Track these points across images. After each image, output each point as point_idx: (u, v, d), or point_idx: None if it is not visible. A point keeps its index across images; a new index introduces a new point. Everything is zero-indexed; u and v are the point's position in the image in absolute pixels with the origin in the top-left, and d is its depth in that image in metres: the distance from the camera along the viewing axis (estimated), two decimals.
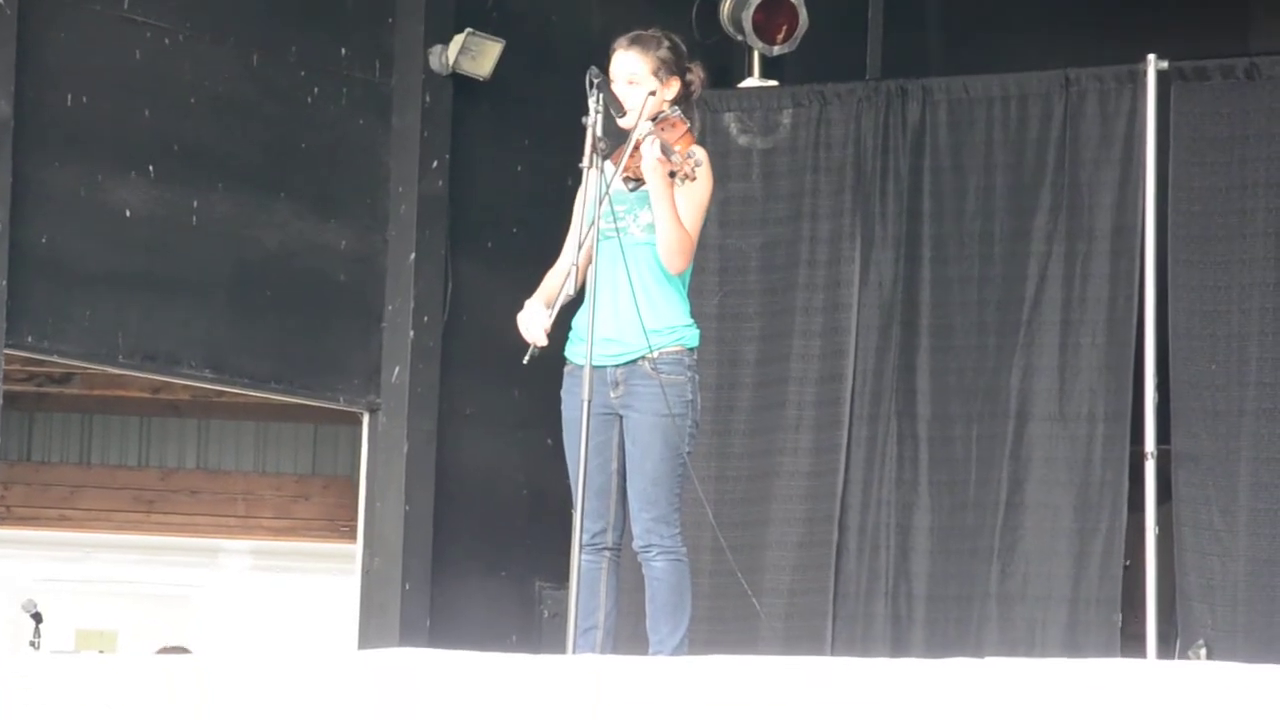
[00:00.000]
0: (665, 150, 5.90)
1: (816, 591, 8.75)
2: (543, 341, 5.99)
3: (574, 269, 5.99)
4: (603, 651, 5.92)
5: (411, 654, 5.05)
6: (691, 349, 6.08)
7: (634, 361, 6.02)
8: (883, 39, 10.04)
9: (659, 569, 5.98)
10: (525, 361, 6.00)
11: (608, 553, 6.02)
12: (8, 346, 7.98)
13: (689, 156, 5.87)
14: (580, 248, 6.01)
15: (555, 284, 6.08)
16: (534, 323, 6.02)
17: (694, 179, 5.87)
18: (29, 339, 8.11)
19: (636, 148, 5.95)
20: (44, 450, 13.02)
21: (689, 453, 6.03)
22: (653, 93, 6.01)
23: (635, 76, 6.07)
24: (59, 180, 8.18)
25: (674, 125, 6.02)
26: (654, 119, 6.01)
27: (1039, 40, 9.65)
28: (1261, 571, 8.18)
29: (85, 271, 8.26)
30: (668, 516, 5.98)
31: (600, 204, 5.91)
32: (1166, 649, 8.12)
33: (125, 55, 8.35)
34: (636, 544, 6.00)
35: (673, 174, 5.88)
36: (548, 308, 6.04)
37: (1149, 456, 8.16)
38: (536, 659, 4.91)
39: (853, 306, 8.90)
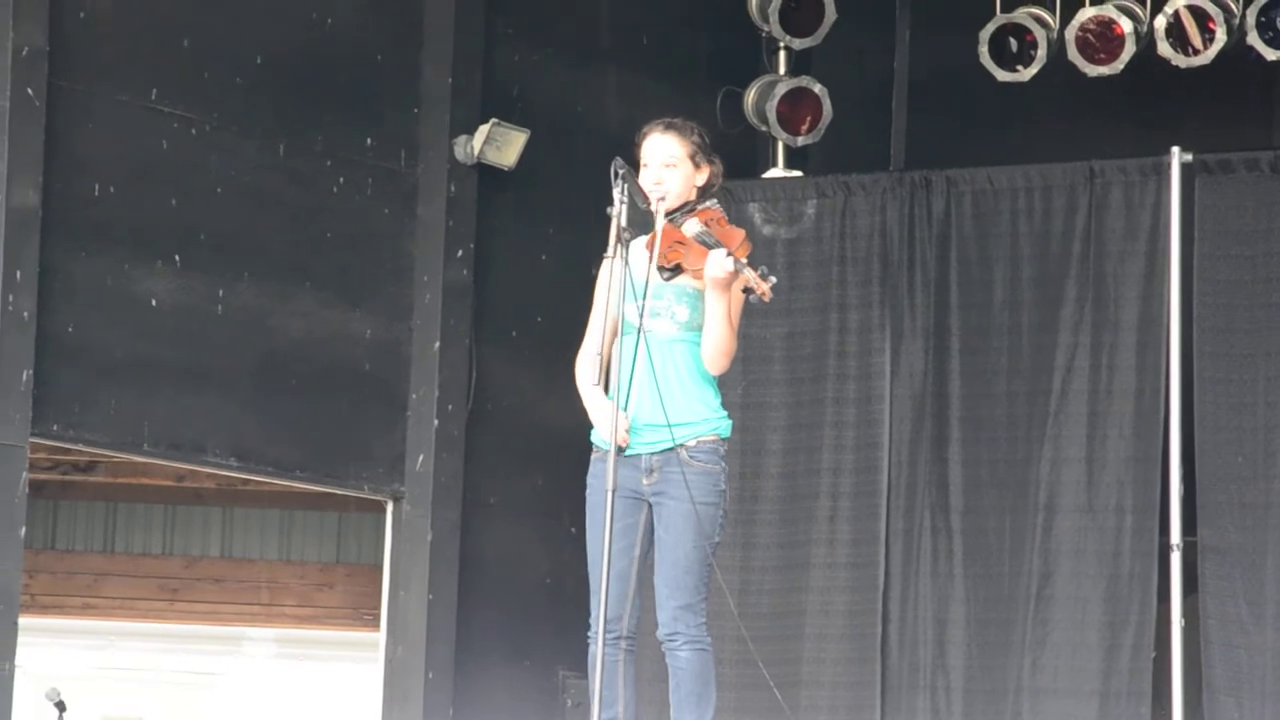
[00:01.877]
0: (737, 265, 5.86)
1: (862, 685, 8.71)
2: (627, 443, 5.95)
3: (599, 358, 5.99)
4: None
5: None
6: (725, 439, 6.09)
7: (670, 450, 6.02)
8: (906, 130, 10.08)
9: (684, 659, 5.96)
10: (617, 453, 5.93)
11: (623, 642, 5.99)
12: (34, 435, 7.99)
13: (758, 267, 5.85)
14: (604, 336, 6.01)
15: (598, 372, 6.05)
16: (619, 427, 5.94)
17: (767, 298, 5.85)
18: (54, 427, 8.12)
19: (682, 241, 5.94)
20: (68, 538, 13.02)
21: (717, 543, 6.02)
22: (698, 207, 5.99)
23: (673, 159, 6.08)
24: (86, 269, 8.21)
25: (721, 223, 5.99)
26: (692, 209, 6.02)
27: (1063, 132, 9.68)
28: None
29: (111, 360, 8.27)
30: (695, 605, 5.97)
31: (629, 290, 5.91)
32: None
33: (152, 145, 8.39)
34: (661, 632, 5.97)
35: (747, 290, 5.85)
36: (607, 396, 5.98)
37: (1175, 548, 8.13)
38: None
39: (885, 398, 8.89)
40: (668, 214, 6.01)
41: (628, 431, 5.94)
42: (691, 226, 5.98)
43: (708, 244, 5.92)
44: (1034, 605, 8.56)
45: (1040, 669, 8.52)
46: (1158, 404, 8.45)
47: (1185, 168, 8.48)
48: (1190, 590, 8.19)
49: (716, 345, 5.96)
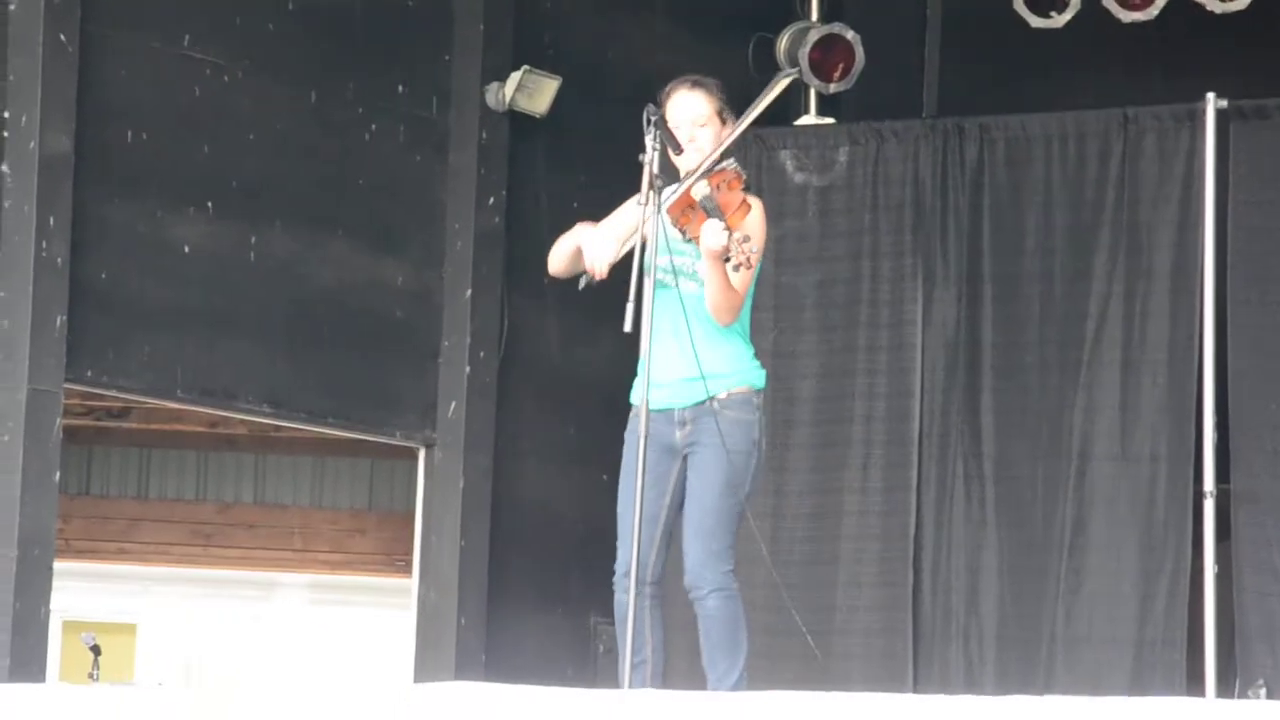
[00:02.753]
0: (729, 239, 5.87)
1: (894, 632, 8.73)
2: (602, 273, 5.97)
3: (615, 242, 5.98)
4: (654, 686, 5.91)
5: (467, 688, 5.05)
6: (758, 389, 6.10)
7: (701, 403, 6.03)
8: (939, 77, 10.04)
9: (712, 606, 5.97)
10: (581, 288, 5.99)
11: (648, 588, 6.01)
12: (67, 381, 8.02)
13: (745, 240, 5.87)
14: (612, 232, 6.01)
15: (620, 233, 6.02)
16: (603, 252, 5.97)
17: (750, 268, 5.89)
18: (88, 373, 8.15)
19: (691, 204, 5.95)
20: (103, 484, 13.08)
21: (748, 494, 6.03)
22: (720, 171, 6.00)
23: (703, 118, 6.10)
24: (119, 216, 8.22)
25: (731, 186, 6.01)
26: (708, 171, 6.02)
27: (1097, 78, 9.64)
28: None
29: (144, 307, 8.29)
30: (721, 553, 5.98)
31: (661, 243, 5.92)
32: (1226, 688, 8.07)
33: (185, 92, 8.39)
34: (688, 579, 5.99)
35: (727, 259, 5.89)
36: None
37: (1208, 496, 8.12)
38: (594, 693, 4.89)
39: (917, 346, 8.88)
40: (690, 173, 6.02)
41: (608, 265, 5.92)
42: (700, 189, 6.01)
43: (708, 210, 5.94)
44: (1067, 554, 8.56)
45: (1074, 618, 8.52)
46: (1191, 351, 8.44)
47: (1220, 114, 8.44)
48: (1223, 538, 8.18)
49: (715, 304, 5.98)
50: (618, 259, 5.99)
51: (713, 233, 5.88)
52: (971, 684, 8.54)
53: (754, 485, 6.06)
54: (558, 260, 6.19)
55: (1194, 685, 8.09)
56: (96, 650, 9.46)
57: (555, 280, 9.29)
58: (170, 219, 8.37)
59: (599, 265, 5.98)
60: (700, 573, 5.97)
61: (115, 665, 11.21)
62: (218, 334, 8.48)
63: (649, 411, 5.91)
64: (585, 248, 6.03)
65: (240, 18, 8.53)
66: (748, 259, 5.85)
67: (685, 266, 6.02)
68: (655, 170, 5.95)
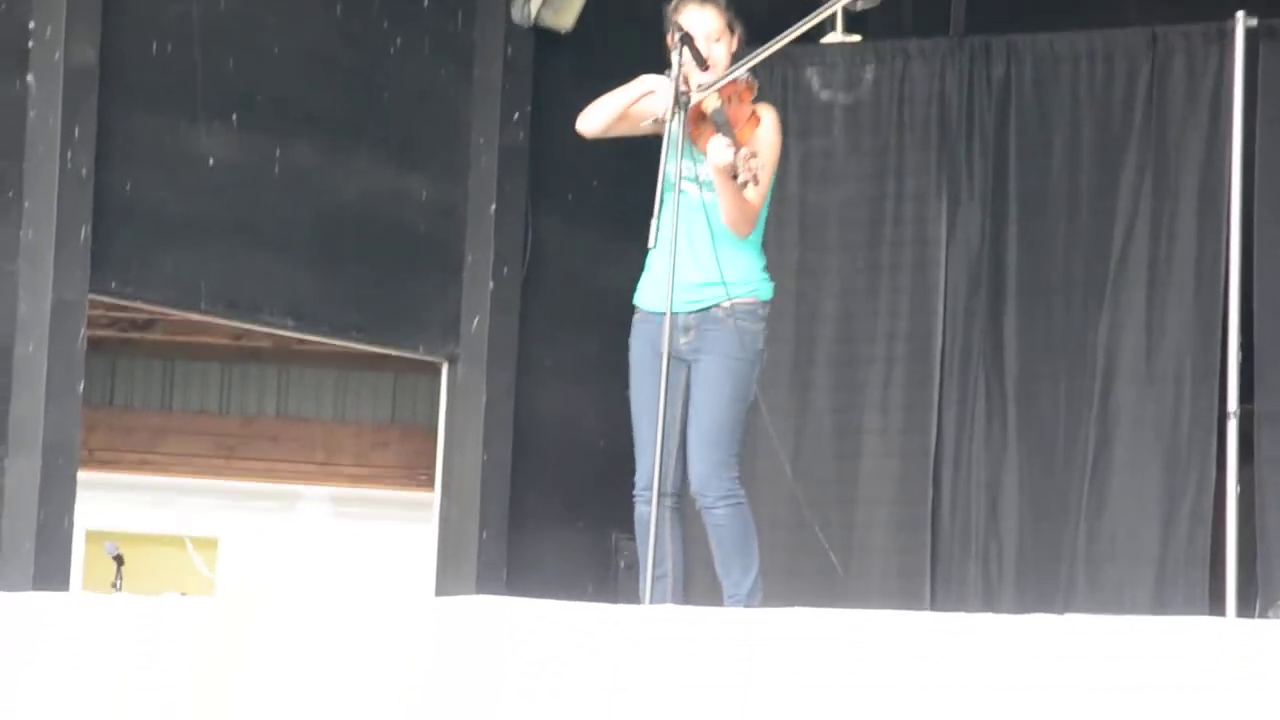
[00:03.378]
0: (735, 155, 5.86)
1: (913, 550, 8.74)
2: (662, 112, 5.92)
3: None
4: (674, 600, 5.94)
5: (489, 602, 5.07)
6: (766, 301, 6.11)
7: (708, 309, 6.04)
8: None
9: (720, 515, 6.00)
10: (652, 123, 5.94)
11: (669, 499, 6.03)
12: (92, 291, 8.04)
13: (752, 156, 5.86)
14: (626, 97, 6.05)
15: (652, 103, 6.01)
16: (663, 93, 5.94)
17: (759, 184, 5.88)
18: (113, 284, 8.16)
19: (702, 115, 5.94)
20: (126, 395, 13.11)
21: (752, 404, 6.05)
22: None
23: (715, 33, 6.08)
24: (143, 128, 8.22)
25: (742, 98, 6.00)
26: (718, 83, 6.01)
27: None
28: None
29: (168, 219, 8.30)
30: (728, 461, 6.01)
31: (677, 150, 5.92)
32: (1247, 607, 8.08)
33: (210, 4, 8.37)
34: (695, 488, 6.02)
35: (735, 176, 5.88)
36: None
37: (1231, 416, 8.10)
38: (615, 608, 4.92)
39: (940, 264, 8.87)
40: (701, 87, 6.01)
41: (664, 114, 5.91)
42: (711, 102, 6.00)
43: (718, 125, 5.93)
44: (1090, 473, 8.56)
45: (1096, 537, 8.53)
46: (1217, 271, 8.41)
47: (1249, 33, 8.37)
48: (1246, 458, 8.18)
49: (730, 217, 6.00)
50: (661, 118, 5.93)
51: (718, 149, 5.87)
52: (990, 602, 8.56)
53: (755, 395, 6.07)
54: (602, 116, 6.15)
55: (1216, 604, 8.10)
56: (120, 560, 9.51)
57: (579, 196, 9.34)
58: (195, 131, 8.36)
59: (662, 105, 5.93)
60: (708, 481, 6.00)
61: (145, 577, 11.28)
62: (242, 247, 8.49)
63: (653, 314, 5.92)
64: (649, 90, 5.99)
65: None
66: (754, 175, 5.84)
67: (701, 174, 6.02)
68: (682, 87, 5.95)
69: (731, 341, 6.01)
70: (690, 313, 6.05)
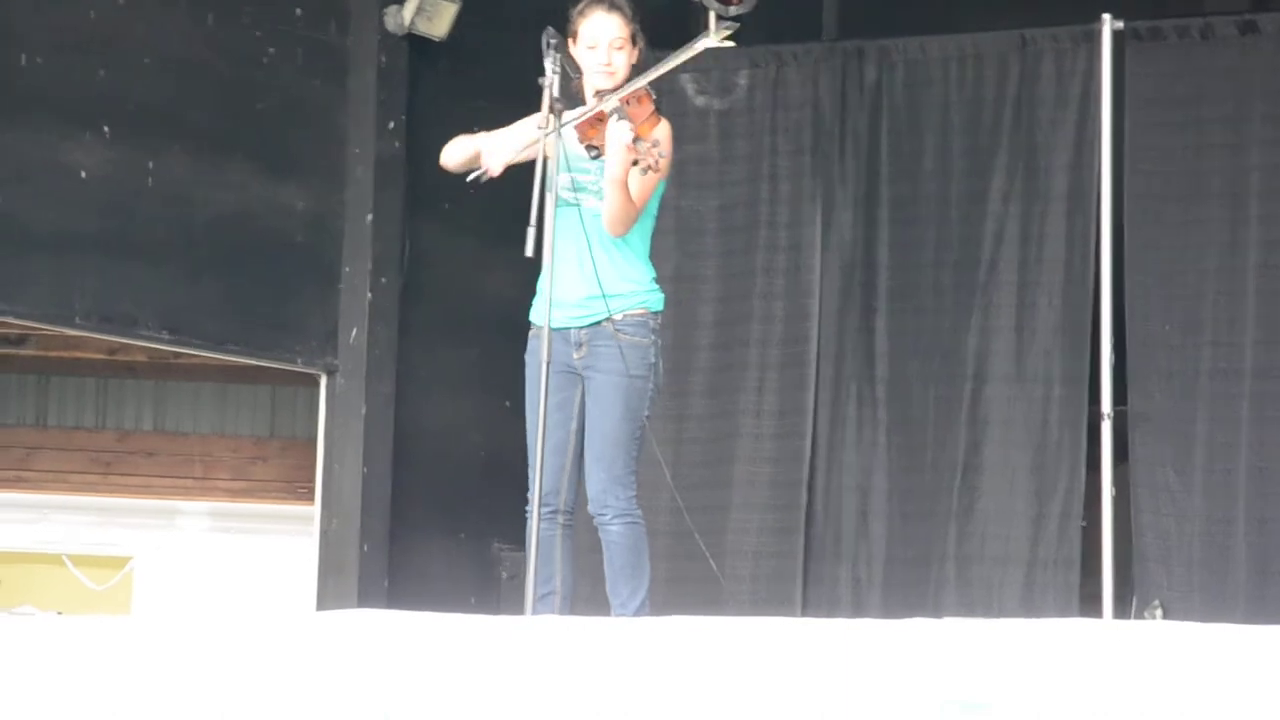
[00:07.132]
0: (635, 139, 5.89)
1: (785, 555, 8.77)
2: (496, 171, 5.96)
3: (513, 151, 5.96)
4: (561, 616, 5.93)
5: (370, 615, 5.05)
6: (655, 312, 6.11)
7: (598, 323, 6.04)
8: None
9: (615, 533, 5.99)
10: (469, 180, 5.99)
11: (560, 516, 6.02)
12: None
13: (654, 145, 5.87)
14: (509, 140, 6.00)
15: (517, 145, 6.00)
16: (501, 156, 5.96)
17: (657, 171, 5.89)
18: None
19: (601, 119, 5.95)
20: (0, 412, 12.97)
21: (648, 416, 6.05)
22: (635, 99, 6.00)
23: (620, 41, 6.08)
24: (14, 141, 8.14)
25: (641, 101, 6.01)
26: (619, 90, 6.02)
27: (995, 0, 9.65)
28: (1217, 532, 8.22)
29: (41, 232, 8.22)
30: (623, 479, 6.00)
31: (561, 162, 5.92)
32: (1123, 609, 8.17)
33: (80, 15, 8.30)
34: (592, 506, 6.00)
35: (636, 162, 5.89)
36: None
37: (1105, 417, 8.19)
38: (498, 620, 4.91)
39: (815, 268, 8.91)
40: (601, 93, 6.01)
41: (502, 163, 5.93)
42: (610, 103, 6.01)
43: (620, 118, 5.94)
44: (960, 474, 8.62)
45: (967, 537, 8.59)
46: (1087, 273, 8.49)
47: (1116, 35, 8.48)
48: (1121, 459, 8.26)
49: (611, 213, 5.98)
50: (515, 161, 5.99)
51: (620, 131, 5.87)
52: (859, 605, 8.60)
53: (652, 408, 6.07)
54: (454, 156, 6.17)
55: (1087, 606, 8.18)
56: None
57: (456, 205, 9.32)
58: (66, 144, 8.29)
59: (495, 165, 5.96)
60: (603, 499, 5.99)
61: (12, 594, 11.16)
62: (116, 260, 8.42)
63: (548, 331, 5.91)
64: (484, 152, 6.01)
65: None
66: (655, 162, 5.85)
67: (588, 183, 6.01)
68: (555, 94, 5.94)
69: (621, 359, 5.99)
70: (581, 327, 6.05)
